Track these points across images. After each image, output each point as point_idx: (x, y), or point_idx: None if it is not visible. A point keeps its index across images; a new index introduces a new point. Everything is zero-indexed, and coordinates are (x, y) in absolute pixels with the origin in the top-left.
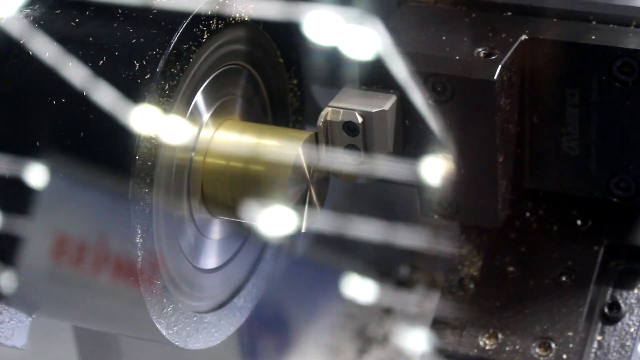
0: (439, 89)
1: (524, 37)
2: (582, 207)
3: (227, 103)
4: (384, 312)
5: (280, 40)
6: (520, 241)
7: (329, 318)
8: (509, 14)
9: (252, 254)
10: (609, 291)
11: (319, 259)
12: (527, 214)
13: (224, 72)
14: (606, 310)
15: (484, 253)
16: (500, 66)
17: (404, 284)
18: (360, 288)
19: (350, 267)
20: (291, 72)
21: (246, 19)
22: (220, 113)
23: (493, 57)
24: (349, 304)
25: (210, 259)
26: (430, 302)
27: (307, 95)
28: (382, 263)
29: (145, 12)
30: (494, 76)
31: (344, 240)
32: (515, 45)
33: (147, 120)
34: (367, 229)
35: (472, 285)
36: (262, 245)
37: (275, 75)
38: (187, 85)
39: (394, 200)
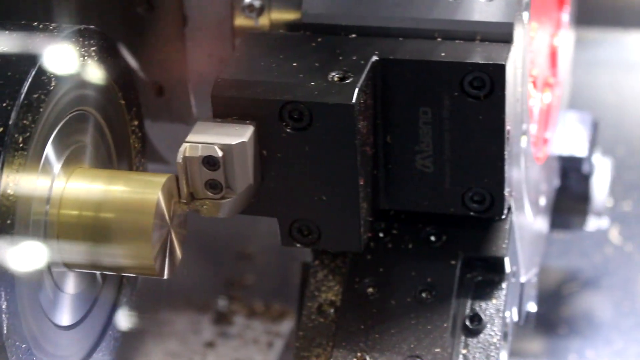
0: (295, 116)
1: (374, 58)
2: (435, 223)
3: (75, 151)
4: (207, 346)
5: (120, 82)
6: (377, 262)
7: (151, 357)
8: (354, 36)
9: (107, 305)
10: (469, 303)
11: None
12: (381, 235)
13: (70, 119)
14: (467, 322)
15: (340, 277)
16: (357, 89)
17: (223, 316)
18: (180, 324)
19: (167, 303)
20: (132, 113)
21: (89, 62)
22: (70, 162)
23: (348, 81)
24: (168, 343)
25: (69, 315)
26: (251, 332)
27: (147, 137)
28: (199, 296)
29: None
30: (352, 100)
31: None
32: (368, 66)
33: (2, 177)
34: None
35: (332, 311)
36: (115, 295)
37: (118, 118)
38: (38, 136)
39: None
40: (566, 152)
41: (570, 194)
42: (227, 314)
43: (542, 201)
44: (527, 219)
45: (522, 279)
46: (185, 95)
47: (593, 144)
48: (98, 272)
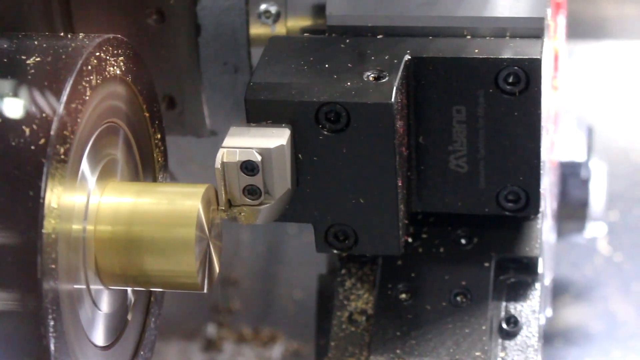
0: (332, 118)
1: (407, 57)
2: (465, 226)
3: (108, 165)
4: None
5: (144, 93)
6: (408, 267)
7: None
8: (381, 37)
9: (137, 325)
10: (503, 305)
11: None
12: (410, 240)
13: (102, 131)
14: (504, 325)
15: (369, 285)
16: (395, 87)
17: (212, 342)
18: (169, 352)
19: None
20: (155, 126)
21: (118, 72)
22: (103, 176)
23: (384, 80)
24: None
25: (105, 335)
26: (242, 358)
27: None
28: (186, 324)
29: (21, 73)
30: (391, 98)
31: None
32: (402, 65)
33: (47, 191)
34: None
35: (363, 319)
36: (145, 315)
37: (143, 131)
38: (76, 148)
39: None
40: (565, 157)
41: (569, 200)
42: (216, 340)
43: (554, 205)
44: (548, 221)
45: (546, 282)
46: (199, 107)
47: (590, 149)
48: (130, 290)
